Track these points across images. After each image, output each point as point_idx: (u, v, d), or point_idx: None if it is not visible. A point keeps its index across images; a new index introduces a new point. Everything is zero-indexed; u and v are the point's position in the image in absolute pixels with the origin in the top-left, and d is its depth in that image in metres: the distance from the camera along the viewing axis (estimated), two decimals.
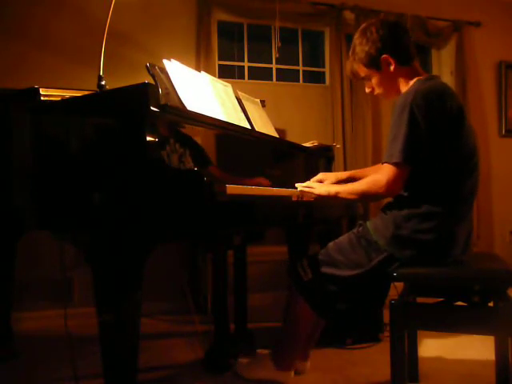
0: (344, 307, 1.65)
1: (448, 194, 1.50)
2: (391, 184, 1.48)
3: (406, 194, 1.54)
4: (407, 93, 1.52)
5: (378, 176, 1.52)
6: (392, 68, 1.62)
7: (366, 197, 1.59)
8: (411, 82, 1.60)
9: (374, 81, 1.67)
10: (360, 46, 1.65)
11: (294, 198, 1.60)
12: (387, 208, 1.59)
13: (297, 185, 1.68)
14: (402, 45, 1.64)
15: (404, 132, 1.46)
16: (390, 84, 1.66)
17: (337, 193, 1.62)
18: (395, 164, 1.47)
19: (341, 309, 1.65)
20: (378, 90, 1.70)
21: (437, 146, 1.47)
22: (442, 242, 1.49)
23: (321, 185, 1.72)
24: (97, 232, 1.29)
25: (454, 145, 1.50)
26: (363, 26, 1.68)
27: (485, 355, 1.99)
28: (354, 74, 1.73)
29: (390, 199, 1.62)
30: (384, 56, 1.61)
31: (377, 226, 1.57)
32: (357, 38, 1.68)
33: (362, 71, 1.68)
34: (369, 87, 1.72)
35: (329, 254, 1.61)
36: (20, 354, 2.11)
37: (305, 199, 1.65)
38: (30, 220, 1.52)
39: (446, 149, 1.49)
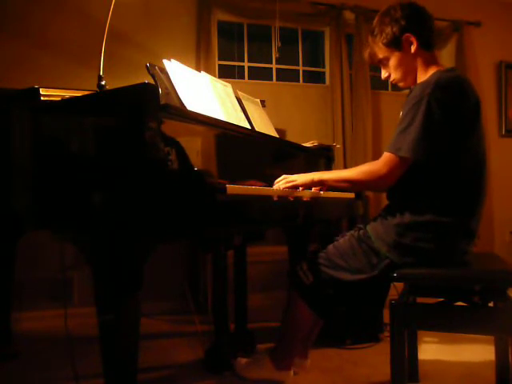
0: (345, 309, 1.63)
1: (455, 204, 1.46)
2: (392, 177, 1.44)
3: (409, 199, 1.49)
4: (425, 83, 1.44)
5: (377, 166, 1.46)
6: (413, 49, 1.55)
7: (358, 186, 1.52)
8: (430, 71, 1.54)
9: (393, 62, 1.59)
10: (382, 26, 1.58)
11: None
12: (388, 213, 1.54)
13: (276, 185, 1.59)
14: (425, 26, 1.58)
15: (418, 125, 1.38)
16: (408, 67, 1.58)
17: (322, 180, 1.56)
18: (401, 157, 1.41)
19: (342, 310, 1.63)
20: (394, 75, 1.61)
21: (450, 145, 1.42)
22: (444, 251, 1.46)
23: (302, 175, 1.61)
24: (97, 232, 1.29)
25: (467, 145, 1.44)
26: (386, 8, 1.61)
27: (485, 355, 1.99)
28: (372, 57, 1.65)
29: (389, 200, 1.60)
30: (407, 35, 1.54)
31: (378, 232, 1.52)
32: (377, 20, 1.61)
33: (381, 52, 1.60)
34: (386, 72, 1.64)
35: (329, 258, 1.58)
36: (20, 354, 2.11)
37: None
38: (30, 220, 1.52)
39: (459, 149, 1.43)
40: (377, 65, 1.69)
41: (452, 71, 1.53)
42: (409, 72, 1.59)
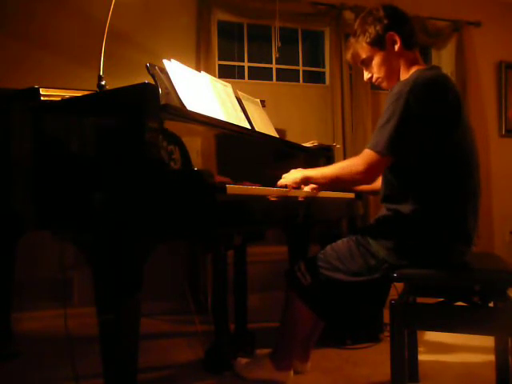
0: (344, 309, 1.63)
1: (450, 204, 1.45)
2: (369, 172, 1.43)
3: (403, 202, 1.49)
4: (405, 81, 1.45)
5: (356, 161, 1.46)
6: (397, 47, 1.57)
7: (339, 182, 1.53)
8: (411, 70, 1.55)
9: (376, 61, 1.60)
10: (365, 25, 1.60)
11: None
12: (385, 216, 1.55)
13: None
14: (407, 25, 1.59)
15: (395, 122, 1.39)
16: (391, 66, 1.59)
17: (305, 178, 1.58)
18: (378, 152, 1.41)
19: (341, 311, 1.63)
20: (378, 74, 1.62)
21: (432, 142, 1.42)
22: (441, 253, 1.46)
23: (287, 174, 1.65)
24: (97, 232, 1.29)
25: (451, 142, 1.44)
26: (367, 9, 1.63)
27: (485, 355, 1.99)
28: (354, 57, 1.66)
29: (386, 202, 1.58)
30: (390, 33, 1.56)
31: (376, 235, 1.52)
32: (360, 21, 1.63)
33: (365, 51, 1.61)
34: (368, 73, 1.66)
35: (328, 260, 1.58)
36: (20, 354, 2.11)
37: (301, 198, 1.59)
38: (29, 220, 1.52)
39: (442, 147, 1.43)
40: (359, 66, 1.70)
41: (432, 69, 1.54)
42: (392, 71, 1.61)
